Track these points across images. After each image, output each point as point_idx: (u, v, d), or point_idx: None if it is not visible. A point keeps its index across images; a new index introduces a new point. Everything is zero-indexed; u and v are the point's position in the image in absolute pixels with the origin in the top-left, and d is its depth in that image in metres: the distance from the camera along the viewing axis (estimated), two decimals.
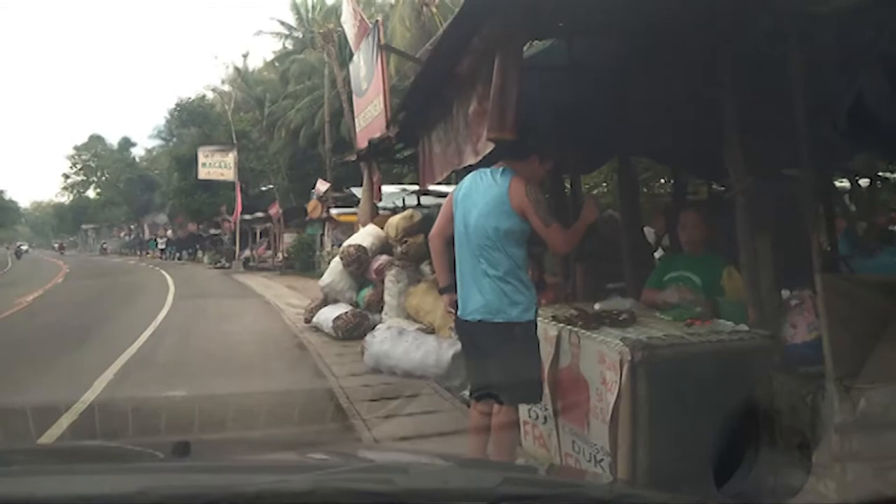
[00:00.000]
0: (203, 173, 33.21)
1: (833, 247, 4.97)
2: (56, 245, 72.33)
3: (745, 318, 3.40)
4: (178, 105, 41.41)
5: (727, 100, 3.58)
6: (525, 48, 3.90)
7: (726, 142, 3.53)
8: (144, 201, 56.47)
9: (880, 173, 9.18)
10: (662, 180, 11.94)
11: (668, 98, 4.43)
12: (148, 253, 49.35)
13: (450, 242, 3.53)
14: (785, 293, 3.51)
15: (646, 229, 6.23)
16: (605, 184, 12.76)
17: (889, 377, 2.57)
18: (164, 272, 26.55)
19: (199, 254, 39.05)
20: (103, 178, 66.64)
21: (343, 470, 1.30)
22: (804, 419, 2.91)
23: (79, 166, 69.67)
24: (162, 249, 46.23)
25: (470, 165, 4.08)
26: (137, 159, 63.51)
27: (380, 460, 1.80)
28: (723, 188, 6.38)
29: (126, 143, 64.80)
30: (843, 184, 8.86)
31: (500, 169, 3.39)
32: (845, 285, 2.88)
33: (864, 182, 9.17)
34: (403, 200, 12.95)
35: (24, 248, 60.25)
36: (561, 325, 3.61)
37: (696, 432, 2.65)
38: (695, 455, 2.48)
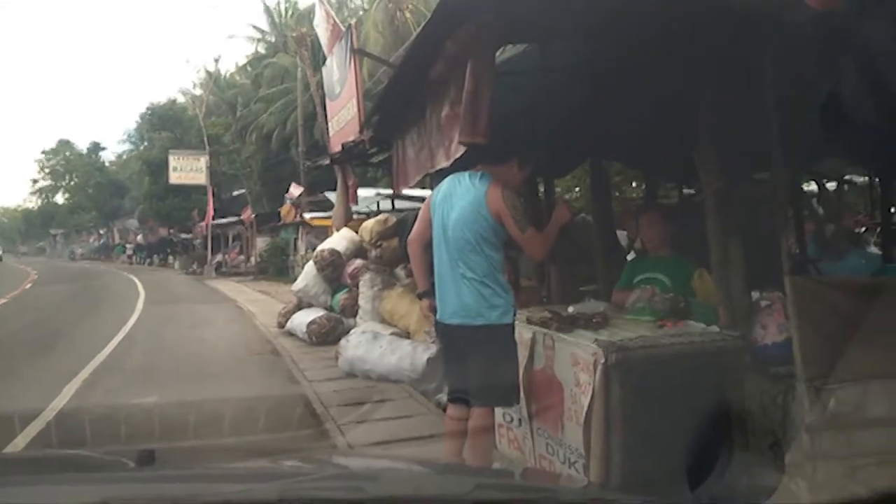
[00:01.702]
0: (174, 177, 32.85)
1: (802, 249, 5.05)
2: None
3: (717, 320, 3.44)
4: (149, 109, 40.97)
5: (699, 104, 3.62)
6: (498, 53, 3.91)
7: (697, 145, 3.56)
8: (114, 206, 55.67)
9: (847, 176, 9.36)
10: (634, 184, 12.06)
11: (639, 102, 4.47)
12: (117, 258, 48.60)
13: (428, 246, 3.52)
14: (755, 295, 3.55)
15: (618, 233, 6.27)
16: (577, 188, 12.85)
17: (858, 377, 2.61)
18: (134, 277, 26.14)
19: (171, 259, 38.58)
20: (72, 182, 65.50)
21: (312, 478, 1.28)
22: (775, 419, 2.95)
23: (47, 171, 68.42)
24: (130, 256, 45.59)
25: (443, 169, 4.07)
26: (107, 164, 62.53)
27: (353, 467, 1.78)
28: (693, 192, 6.46)
29: (96, 148, 63.75)
30: (811, 187, 9.01)
31: (479, 173, 3.40)
32: (814, 287, 2.92)
33: (831, 185, 9.33)
34: (378, 204, 12.95)
35: None
36: (535, 327, 3.61)
37: (669, 434, 2.66)
38: (668, 456, 2.49)
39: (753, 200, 4.11)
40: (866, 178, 8.51)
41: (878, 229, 7.15)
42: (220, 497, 1.08)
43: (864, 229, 8.12)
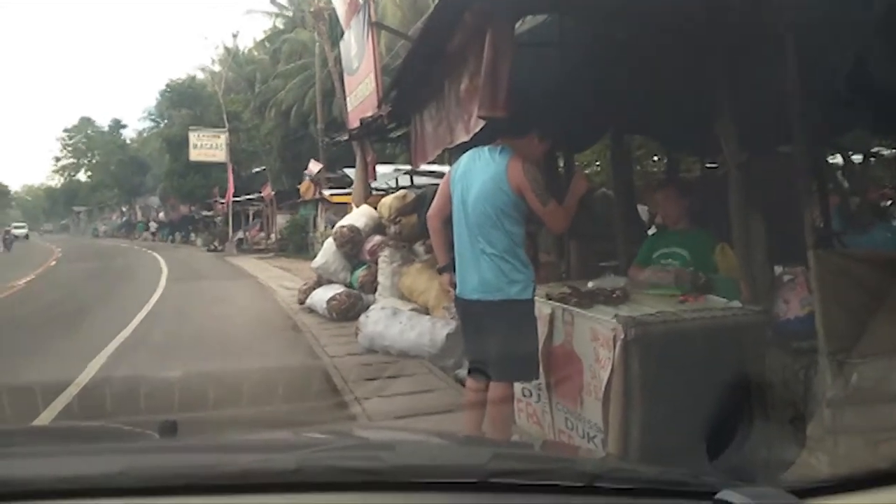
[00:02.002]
0: (194, 155, 33.08)
1: (826, 223, 4.96)
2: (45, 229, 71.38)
3: (738, 295, 3.40)
4: (168, 86, 41.14)
5: (721, 76, 3.55)
6: (518, 24, 3.85)
7: (719, 118, 3.50)
8: (136, 183, 56.23)
9: (873, 149, 9.17)
10: (655, 158, 11.91)
11: (661, 75, 4.39)
12: (139, 236, 49.17)
13: (448, 221, 3.51)
14: (777, 269, 3.51)
15: (639, 207, 6.21)
16: (598, 162, 12.72)
17: (881, 351, 2.57)
18: (156, 255, 26.48)
19: (192, 236, 38.95)
20: (94, 160, 66.25)
21: (331, 448, 1.29)
22: (797, 394, 2.93)
23: (69, 149, 69.26)
24: (153, 232, 46.06)
25: (462, 144, 4.05)
26: (128, 141, 63.10)
27: (371, 438, 1.79)
28: (715, 165, 6.37)
29: (116, 125, 64.40)
30: (836, 160, 8.85)
31: (499, 147, 3.38)
32: (838, 261, 2.88)
33: (856, 158, 9.16)
34: (397, 180, 12.92)
35: (17, 232, 45.55)
36: (555, 303, 3.60)
37: (688, 408, 2.65)
38: (687, 430, 2.49)
39: (777, 173, 4.04)
40: (893, 150, 8.35)
41: None
42: (239, 466, 1.09)
43: (889, 203, 7.97)
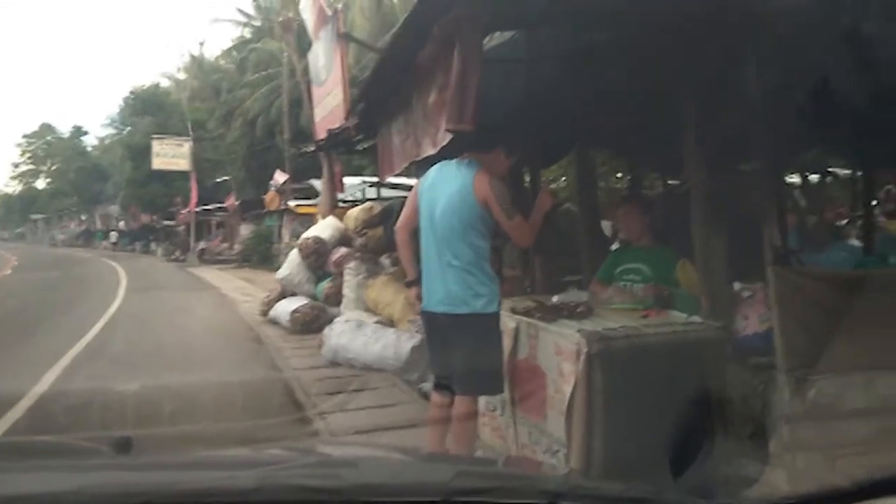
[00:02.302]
0: (157, 163, 32.55)
1: (784, 240, 5.07)
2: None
3: (699, 310, 3.45)
4: (132, 93, 40.53)
5: (683, 95, 3.62)
6: (486, 40, 3.88)
7: (682, 137, 3.56)
8: (96, 191, 55.11)
9: (829, 169, 9.44)
10: (619, 174, 12.08)
11: (626, 92, 4.46)
12: (101, 244, 48.14)
13: (415, 234, 3.51)
14: (737, 285, 3.57)
15: (603, 223, 6.28)
16: (563, 177, 12.85)
17: (838, 368, 2.63)
18: (116, 264, 25.93)
19: (153, 246, 38.27)
20: (53, 167, 64.82)
21: (292, 465, 1.27)
22: (756, 409, 2.97)
23: (28, 155, 67.64)
24: (114, 242, 45.14)
25: (429, 156, 4.05)
26: (90, 148, 61.88)
27: (333, 454, 1.76)
28: (677, 182, 6.48)
29: (78, 132, 63.13)
30: (795, 179, 9.07)
31: (466, 160, 3.40)
32: (796, 277, 2.94)
33: (814, 178, 9.41)
34: (363, 192, 12.88)
35: None
36: (519, 316, 3.61)
37: (651, 423, 2.67)
38: (650, 446, 2.50)
39: (737, 191, 4.12)
40: (849, 171, 8.59)
41: (859, 222, 7.21)
42: (196, 485, 1.07)
43: (845, 222, 8.19)
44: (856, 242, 6.40)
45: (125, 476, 1.21)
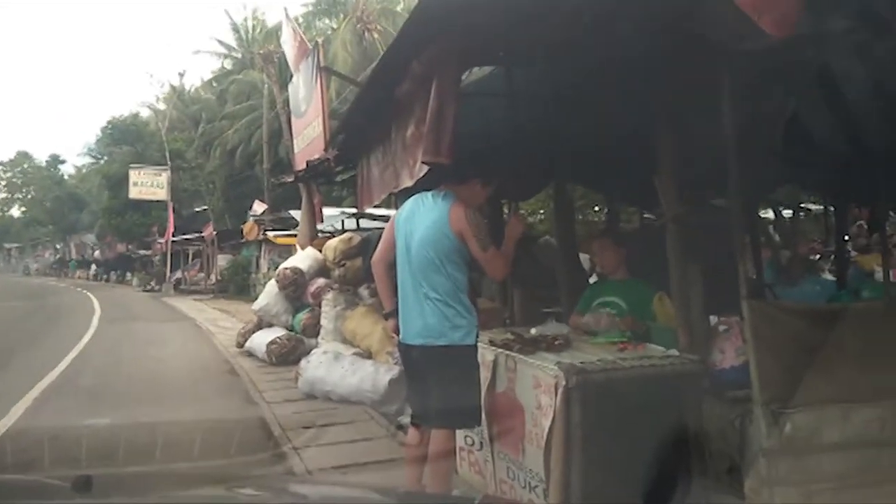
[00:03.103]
0: (134, 192, 32.32)
1: (759, 274, 5.13)
2: None
3: (676, 343, 3.45)
4: (110, 123, 40.27)
5: (659, 130, 3.67)
6: (465, 76, 3.92)
7: (658, 172, 3.61)
8: (72, 220, 54.49)
9: (802, 205, 9.60)
10: (597, 208, 12.20)
11: (602, 127, 4.52)
12: (75, 274, 47.41)
13: (392, 266, 3.50)
14: (713, 319, 3.58)
15: (581, 256, 6.31)
16: (542, 210, 12.95)
17: (814, 402, 2.64)
18: (90, 294, 25.55)
19: (128, 275, 37.79)
20: (29, 195, 64.01)
21: None
22: (733, 444, 2.96)
23: (3, 183, 66.78)
24: (94, 274, 44.51)
25: (408, 188, 4.06)
26: (66, 177, 61.25)
27: (309, 495, 1.72)
28: (654, 217, 6.55)
29: (55, 161, 62.55)
30: (768, 214, 9.22)
31: (442, 192, 3.41)
32: (771, 311, 2.96)
33: (787, 213, 9.56)
34: (343, 223, 12.84)
35: None
36: (497, 349, 3.59)
37: (628, 457, 2.66)
38: (628, 480, 2.48)
39: (712, 226, 4.17)
40: (821, 206, 8.74)
41: (832, 257, 7.32)
42: None
43: (818, 256, 8.31)
44: (829, 277, 6.49)
45: None
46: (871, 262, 6.81)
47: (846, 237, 7.04)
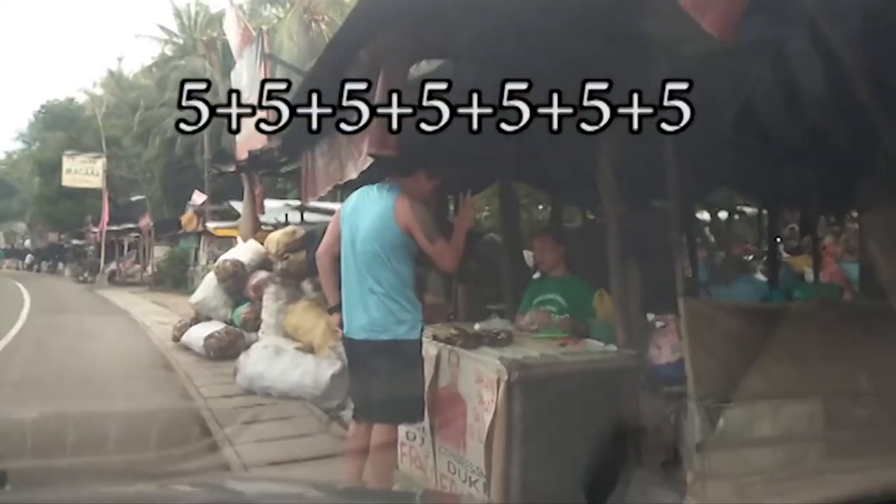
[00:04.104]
0: (68, 180, 31.19)
1: (694, 274, 5.26)
2: None
3: (615, 339, 3.52)
4: (43, 107, 38.73)
5: (602, 133, 3.71)
6: (413, 68, 3.89)
7: (600, 172, 3.66)
8: (1, 208, 52.13)
9: (737, 207, 9.91)
10: (541, 206, 12.32)
11: (545, 126, 4.55)
12: (4, 263, 45.37)
13: (337, 260, 3.46)
14: (651, 316, 3.66)
15: (525, 253, 6.36)
16: (486, 207, 13.02)
17: (746, 397, 2.72)
18: (19, 284, 24.51)
19: (61, 266, 36.42)
20: None
21: None
22: (668, 438, 3.03)
23: None
24: (29, 265, 42.65)
25: (353, 181, 4.01)
26: None
27: (246, 492, 1.67)
28: (595, 216, 6.66)
29: None
30: (704, 216, 9.47)
31: (387, 185, 3.38)
32: (706, 309, 3.04)
33: (722, 215, 9.85)
34: (286, 216, 12.64)
35: None
36: (441, 343, 3.59)
37: (569, 452, 2.69)
38: (568, 474, 2.51)
39: (650, 226, 4.26)
40: (755, 208, 9.04)
41: (765, 258, 7.57)
42: None
43: (751, 257, 8.59)
44: (761, 277, 6.71)
45: None
46: (802, 263, 7.06)
47: (778, 239, 7.29)
